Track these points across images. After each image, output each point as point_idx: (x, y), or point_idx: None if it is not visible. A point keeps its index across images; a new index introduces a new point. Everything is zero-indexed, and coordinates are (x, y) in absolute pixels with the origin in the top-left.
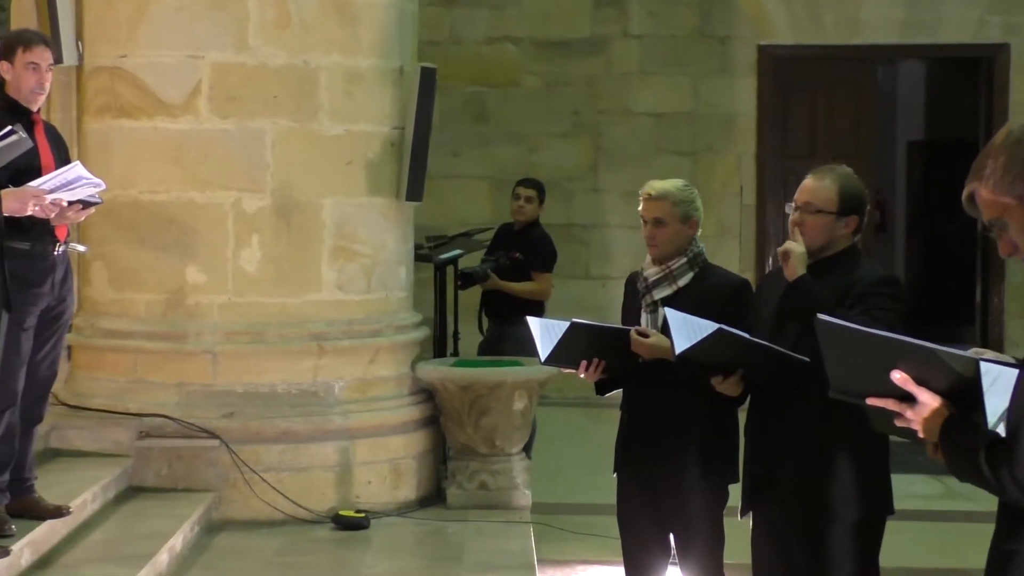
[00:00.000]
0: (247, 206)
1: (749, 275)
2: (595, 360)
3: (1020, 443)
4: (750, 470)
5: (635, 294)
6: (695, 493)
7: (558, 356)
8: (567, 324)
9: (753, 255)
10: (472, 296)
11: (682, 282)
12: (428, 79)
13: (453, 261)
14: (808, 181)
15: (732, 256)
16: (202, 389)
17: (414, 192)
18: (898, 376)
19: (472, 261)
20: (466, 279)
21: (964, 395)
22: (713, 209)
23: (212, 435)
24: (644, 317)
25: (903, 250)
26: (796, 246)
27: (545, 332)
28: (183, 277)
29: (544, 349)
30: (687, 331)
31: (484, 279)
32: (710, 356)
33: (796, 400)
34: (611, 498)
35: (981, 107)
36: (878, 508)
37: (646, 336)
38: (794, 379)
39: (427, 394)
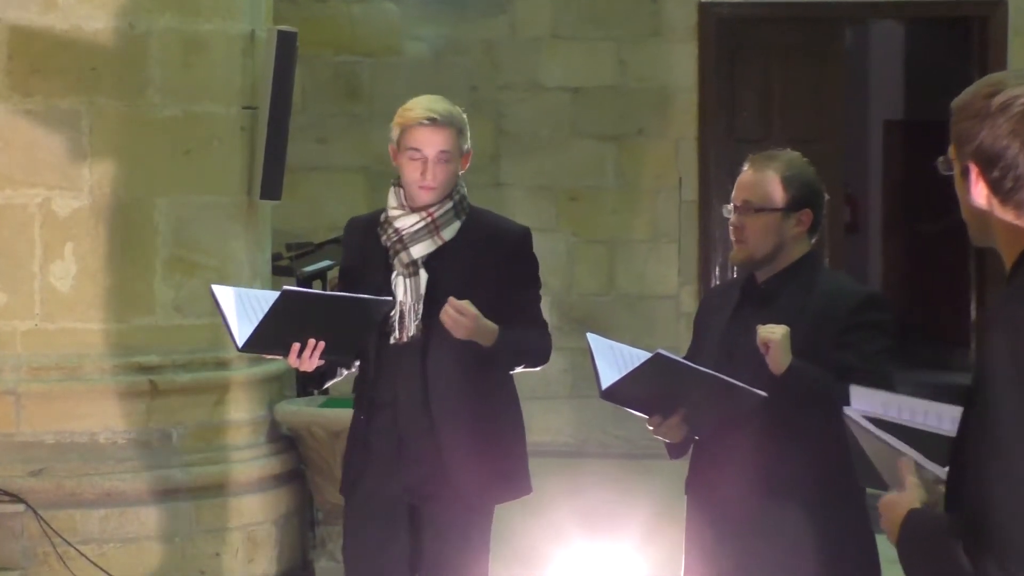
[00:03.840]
0: (59, 208)
1: (691, 288)
2: (311, 342)
3: (997, 525)
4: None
5: (369, 247)
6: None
7: (261, 338)
8: (274, 295)
9: (695, 263)
10: None
11: (447, 234)
12: (286, 46)
13: (321, 274)
14: (745, 174)
15: (669, 264)
16: (2, 440)
17: (270, 188)
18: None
19: None
20: None
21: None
22: (645, 207)
23: (15, 498)
24: (402, 282)
25: (879, 254)
26: (776, 334)
27: (241, 306)
28: None
29: (242, 330)
30: (613, 359)
31: None
32: (644, 391)
33: (744, 443)
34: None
35: (972, 78)
36: None
37: (464, 312)
38: (744, 420)
39: (289, 442)
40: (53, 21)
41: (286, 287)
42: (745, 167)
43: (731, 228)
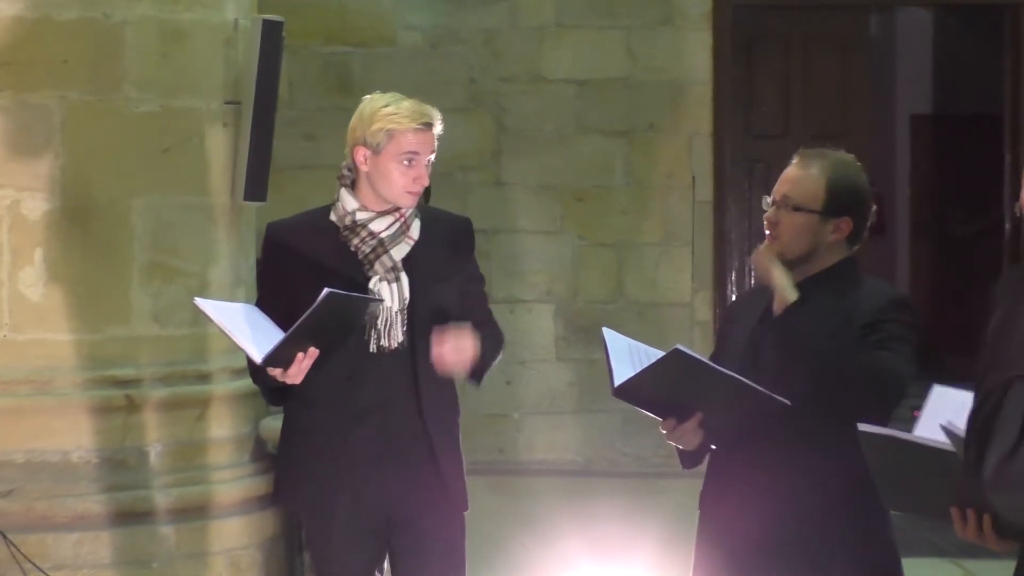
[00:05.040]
0: (28, 210)
1: (705, 295)
2: (311, 350)
3: None
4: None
5: (322, 252)
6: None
7: (284, 350)
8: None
9: (710, 268)
10: None
11: (414, 232)
12: (272, 36)
13: None
14: (791, 169)
15: (682, 270)
16: None
17: (255, 189)
18: None
19: None
20: None
21: None
22: (656, 207)
23: None
24: (386, 288)
25: (907, 258)
26: (776, 271)
27: (238, 317)
28: None
29: (259, 343)
30: (629, 357)
31: None
32: (659, 391)
33: (764, 457)
34: None
35: (1006, 70)
36: None
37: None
38: (765, 429)
39: (275, 461)
40: (22, 11)
41: (329, 289)
42: (793, 160)
43: (765, 221)
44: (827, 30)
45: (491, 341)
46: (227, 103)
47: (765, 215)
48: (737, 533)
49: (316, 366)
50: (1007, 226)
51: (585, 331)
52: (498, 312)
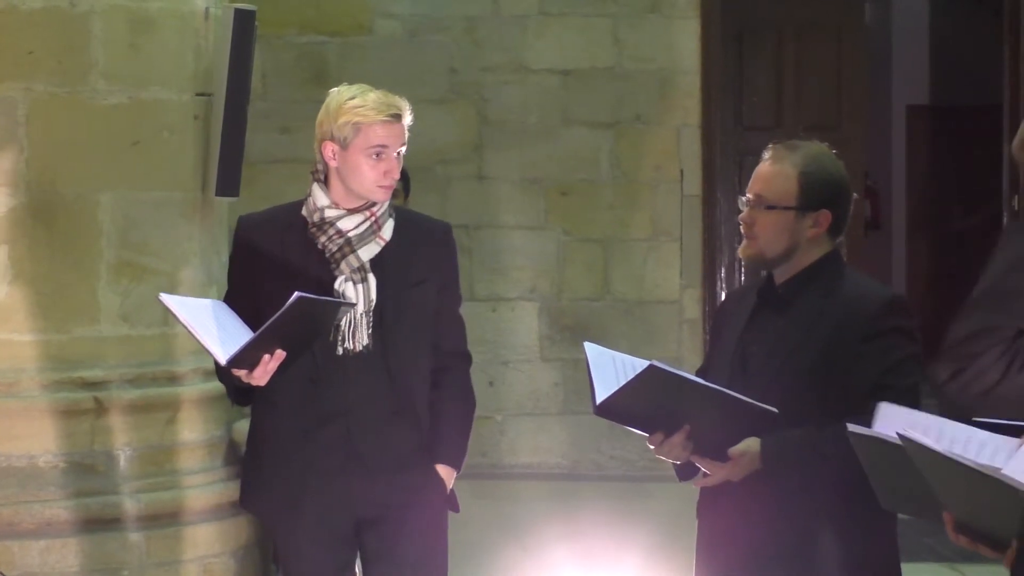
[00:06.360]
0: None
1: (694, 292)
2: (277, 352)
3: None
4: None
5: (291, 249)
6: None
7: (250, 352)
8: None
9: (699, 265)
10: None
11: (386, 233)
12: (244, 25)
13: None
14: (762, 165)
15: (670, 266)
16: None
17: (228, 183)
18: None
19: None
20: None
21: None
22: (644, 202)
23: None
24: (352, 288)
25: (903, 254)
26: (748, 449)
27: (205, 316)
28: None
29: (226, 347)
30: (613, 372)
31: None
32: (641, 407)
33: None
34: None
35: (1005, 59)
36: None
37: None
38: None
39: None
40: None
41: (299, 293)
42: (765, 155)
43: (740, 223)
44: (820, 17)
45: (462, 423)
46: (198, 95)
47: (740, 216)
48: (733, 541)
49: (282, 368)
50: (1005, 220)
51: (570, 330)
52: (480, 310)
